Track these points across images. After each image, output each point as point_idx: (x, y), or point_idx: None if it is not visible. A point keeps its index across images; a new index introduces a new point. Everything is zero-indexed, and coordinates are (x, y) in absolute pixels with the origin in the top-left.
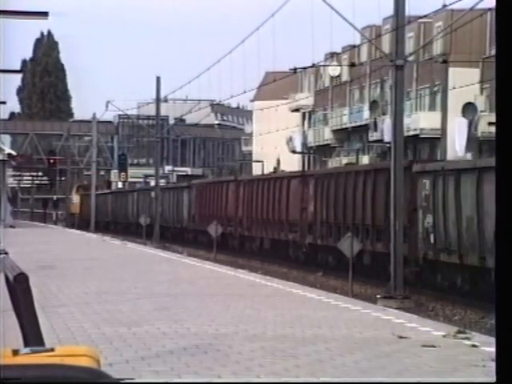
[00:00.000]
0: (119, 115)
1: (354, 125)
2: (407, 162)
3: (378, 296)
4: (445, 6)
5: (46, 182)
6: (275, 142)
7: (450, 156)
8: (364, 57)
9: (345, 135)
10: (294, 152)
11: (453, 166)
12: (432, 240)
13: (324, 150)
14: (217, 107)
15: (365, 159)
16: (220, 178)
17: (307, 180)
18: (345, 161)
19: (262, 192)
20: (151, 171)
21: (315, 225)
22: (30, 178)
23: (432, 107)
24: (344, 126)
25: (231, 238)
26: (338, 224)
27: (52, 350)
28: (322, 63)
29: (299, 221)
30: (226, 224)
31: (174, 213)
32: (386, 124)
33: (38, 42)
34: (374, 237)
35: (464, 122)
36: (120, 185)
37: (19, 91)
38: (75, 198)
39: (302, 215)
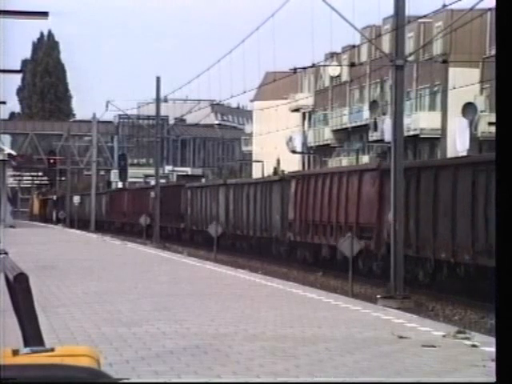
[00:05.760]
0: (119, 115)
1: (354, 125)
2: (184, 182)
3: (378, 296)
4: (445, 5)
5: (46, 181)
6: (275, 142)
7: (450, 155)
8: (364, 57)
9: (345, 135)
10: (294, 152)
11: (198, 185)
12: (193, 219)
13: (324, 150)
14: (217, 107)
15: (365, 159)
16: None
17: (182, 188)
18: (345, 161)
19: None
20: (151, 171)
21: (187, 215)
22: (30, 177)
23: (432, 107)
24: (344, 126)
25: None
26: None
27: (52, 350)
28: (322, 63)
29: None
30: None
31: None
32: (386, 124)
33: (39, 42)
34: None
35: (464, 121)
36: (120, 185)
37: (19, 91)
38: (36, 202)
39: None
